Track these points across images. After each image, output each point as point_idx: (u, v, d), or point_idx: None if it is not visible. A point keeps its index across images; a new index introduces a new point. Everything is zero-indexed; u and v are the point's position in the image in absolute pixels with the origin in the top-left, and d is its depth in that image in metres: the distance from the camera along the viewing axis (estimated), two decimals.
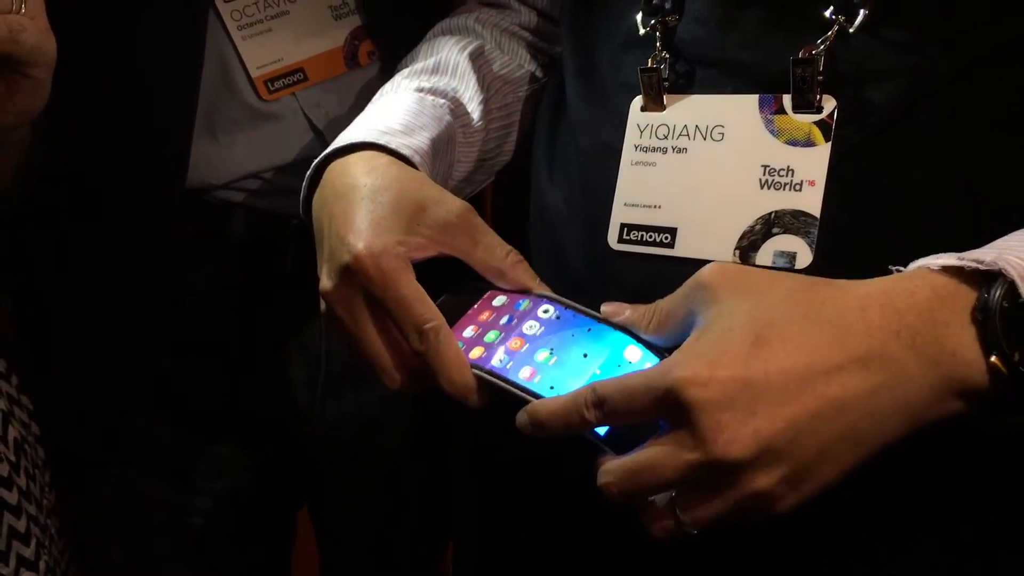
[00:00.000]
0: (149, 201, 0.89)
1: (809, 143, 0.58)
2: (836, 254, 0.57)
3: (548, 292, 0.64)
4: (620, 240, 0.64)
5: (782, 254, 0.58)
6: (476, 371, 0.60)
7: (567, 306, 0.62)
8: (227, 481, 1.02)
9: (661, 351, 0.57)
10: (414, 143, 0.70)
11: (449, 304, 0.64)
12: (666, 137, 0.63)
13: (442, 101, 0.76)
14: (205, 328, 0.96)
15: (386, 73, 0.87)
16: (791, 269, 0.57)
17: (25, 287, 0.99)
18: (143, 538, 1.02)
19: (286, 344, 0.98)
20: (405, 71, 0.80)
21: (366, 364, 0.66)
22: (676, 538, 0.53)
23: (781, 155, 0.59)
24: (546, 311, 0.62)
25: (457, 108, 0.77)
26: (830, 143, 0.58)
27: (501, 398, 0.59)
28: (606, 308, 0.59)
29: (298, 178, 0.73)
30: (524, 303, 0.63)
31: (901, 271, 0.52)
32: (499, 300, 0.64)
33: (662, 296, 0.62)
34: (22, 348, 0.99)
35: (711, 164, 0.61)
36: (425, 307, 0.61)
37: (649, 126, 0.64)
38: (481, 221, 0.65)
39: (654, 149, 0.64)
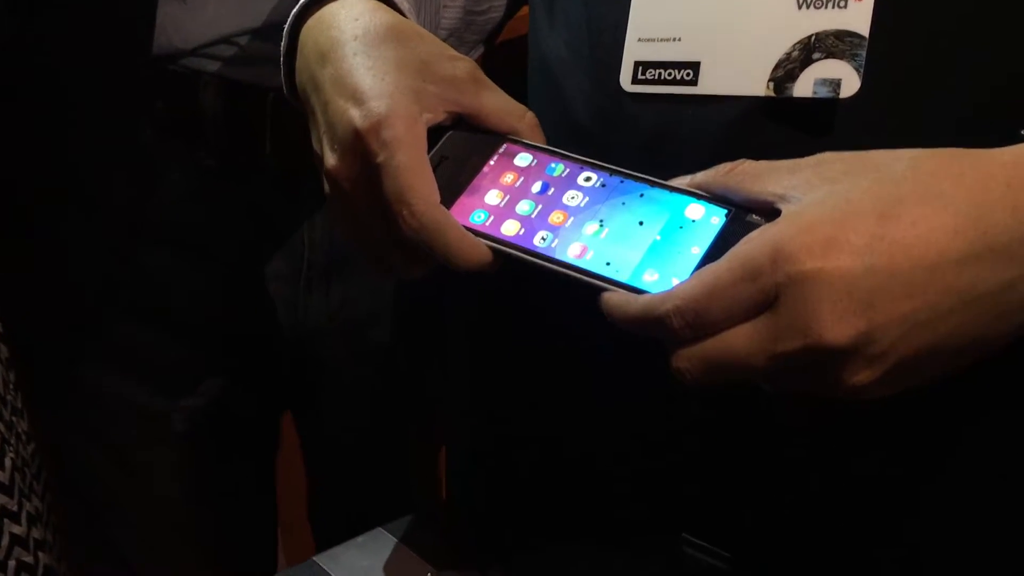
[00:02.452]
0: (113, 68, 0.82)
1: None
2: (888, 78, 0.49)
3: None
4: (634, 81, 0.56)
5: (824, 82, 0.50)
6: (515, 252, 0.52)
7: (613, 172, 0.53)
8: (207, 383, 0.96)
9: (729, 204, 0.49)
10: None
11: (456, 151, 0.56)
12: None
13: None
14: (179, 217, 0.89)
15: None
16: (835, 98, 0.50)
17: None
18: (123, 443, 0.96)
19: (266, 234, 0.91)
20: None
21: (364, 250, 0.58)
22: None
23: None
24: (588, 179, 0.53)
25: None
26: None
27: (544, 279, 0.51)
28: (671, 181, 0.51)
29: (275, 44, 0.64)
30: (558, 167, 0.55)
31: None
32: (523, 158, 0.56)
33: (682, 141, 0.55)
34: None
35: None
36: (419, 179, 0.53)
37: None
38: (488, 79, 0.58)
39: None
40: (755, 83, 0.52)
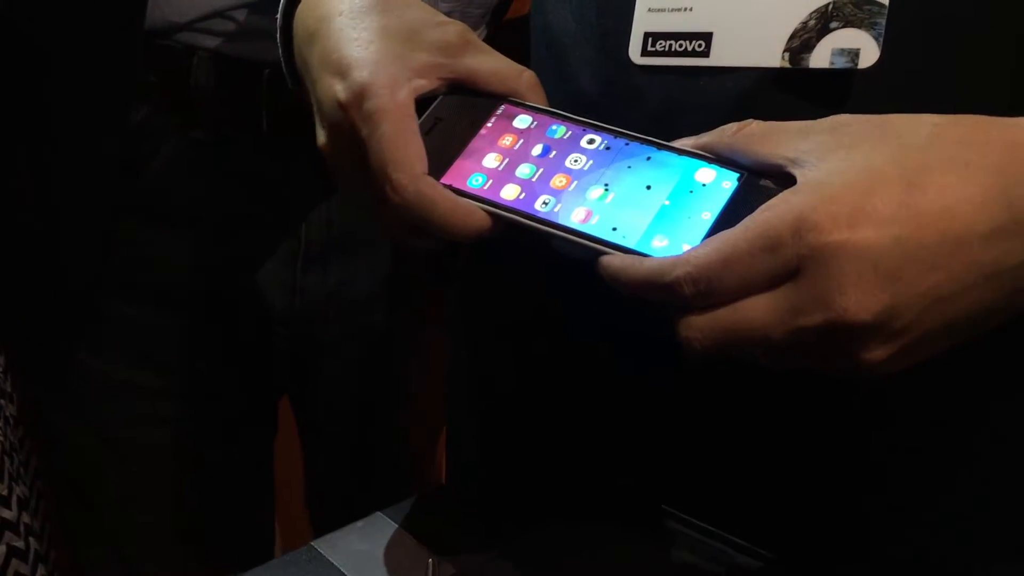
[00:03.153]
0: (105, 43, 0.80)
1: None
2: (908, 48, 0.48)
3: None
4: (644, 52, 0.55)
5: (842, 52, 0.48)
6: (515, 216, 0.49)
7: (617, 134, 0.51)
8: (203, 366, 0.94)
9: (740, 168, 0.47)
10: None
11: (452, 113, 0.54)
12: None
13: None
14: (173, 193, 0.87)
15: None
16: (853, 69, 0.48)
17: None
18: (115, 428, 0.95)
19: (264, 214, 0.89)
20: None
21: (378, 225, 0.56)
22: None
23: None
24: (592, 141, 0.51)
25: None
26: None
27: (546, 246, 0.50)
28: (676, 143, 0.49)
29: (272, 18, 0.62)
30: (560, 129, 0.52)
31: None
32: (523, 120, 0.53)
33: (692, 114, 0.53)
34: None
35: None
36: (402, 150, 0.50)
37: None
38: (481, 42, 0.55)
39: None
40: (770, 54, 0.50)
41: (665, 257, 0.44)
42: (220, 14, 0.81)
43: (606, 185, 0.49)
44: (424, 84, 0.52)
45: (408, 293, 0.97)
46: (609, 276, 0.46)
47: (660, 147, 0.50)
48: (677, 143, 0.49)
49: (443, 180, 0.51)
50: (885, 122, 0.43)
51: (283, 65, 0.61)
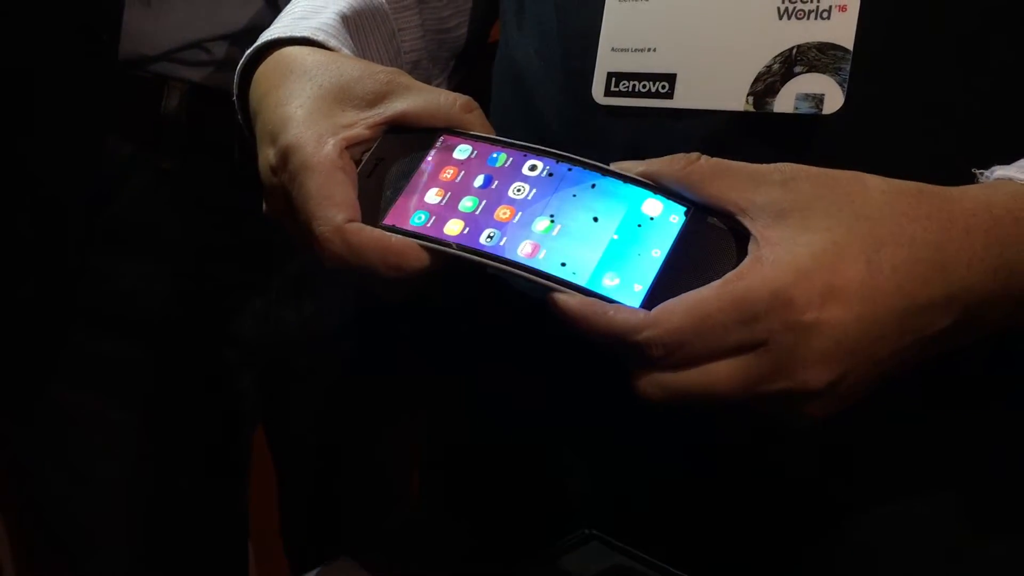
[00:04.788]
0: (76, 76, 0.80)
1: None
2: (872, 93, 0.47)
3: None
4: (607, 93, 0.54)
5: (806, 97, 0.48)
6: (461, 253, 0.48)
7: (559, 158, 0.50)
8: (175, 398, 0.93)
9: (687, 202, 0.46)
10: (318, 23, 0.59)
11: (392, 152, 0.53)
12: None
13: None
14: (144, 223, 0.86)
15: None
16: (817, 114, 0.47)
17: None
18: (81, 459, 0.93)
19: (235, 245, 0.88)
20: None
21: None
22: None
23: None
24: (533, 168, 0.50)
25: None
26: None
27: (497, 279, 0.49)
28: (617, 166, 0.48)
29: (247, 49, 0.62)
30: (501, 157, 0.51)
31: (986, 177, 0.45)
32: (463, 150, 0.52)
33: (656, 156, 0.52)
34: None
35: None
36: (324, 203, 0.49)
37: None
38: (415, 81, 0.54)
39: None
40: (733, 97, 0.50)
41: (633, 310, 0.43)
42: (196, 45, 0.80)
43: (552, 216, 0.48)
44: (356, 135, 0.51)
45: (380, 323, 0.96)
46: (567, 318, 0.45)
47: (604, 173, 0.48)
48: (620, 167, 0.48)
49: (385, 221, 0.50)
50: (833, 180, 0.44)
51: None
